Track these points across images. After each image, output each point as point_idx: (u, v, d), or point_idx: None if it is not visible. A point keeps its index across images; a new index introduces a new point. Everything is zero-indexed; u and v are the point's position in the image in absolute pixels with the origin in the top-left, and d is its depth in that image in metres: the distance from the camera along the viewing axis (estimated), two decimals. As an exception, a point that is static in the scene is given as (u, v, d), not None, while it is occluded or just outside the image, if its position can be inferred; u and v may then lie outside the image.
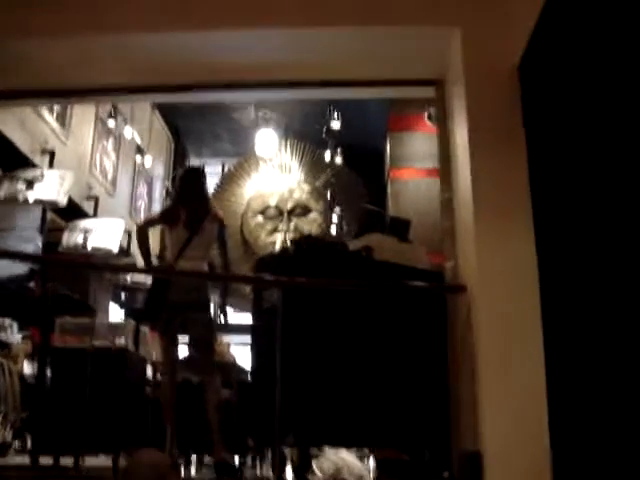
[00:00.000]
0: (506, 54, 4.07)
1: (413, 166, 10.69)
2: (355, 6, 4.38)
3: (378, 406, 3.87)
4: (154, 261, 6.10)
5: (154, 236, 6.77)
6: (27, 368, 7.52)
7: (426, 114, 8.08)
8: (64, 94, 5.26)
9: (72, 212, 9.69)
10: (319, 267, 4.01)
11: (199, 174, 5.68)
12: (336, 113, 11.45)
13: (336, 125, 11.53)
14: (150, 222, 5.94)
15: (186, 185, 5.61)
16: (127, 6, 4.45)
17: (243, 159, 14.16)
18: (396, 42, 4.51)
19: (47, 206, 8.26)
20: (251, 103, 12.57)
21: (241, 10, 4.43)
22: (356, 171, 13.35)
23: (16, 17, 4.46)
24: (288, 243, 11.22)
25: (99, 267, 7.11)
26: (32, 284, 9.72)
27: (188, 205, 5.46)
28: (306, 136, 13.51)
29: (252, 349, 4.57)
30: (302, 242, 4.25)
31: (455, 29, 4.26)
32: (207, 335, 5.39)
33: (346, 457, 3.14)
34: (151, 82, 5.00)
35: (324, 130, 12.00)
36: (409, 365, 3.94)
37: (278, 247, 12.71)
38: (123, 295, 11.76)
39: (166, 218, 5.61)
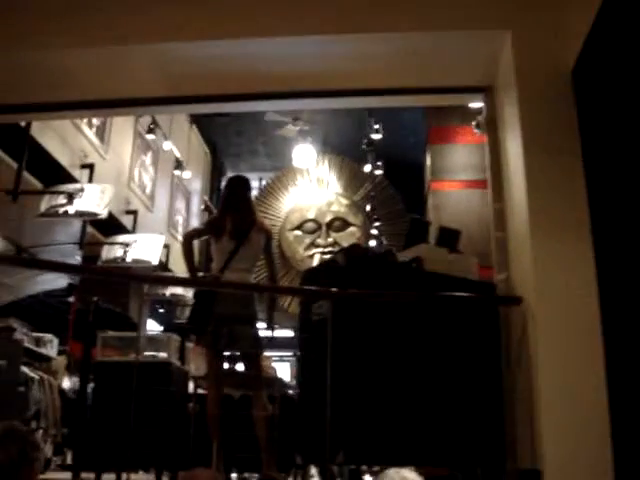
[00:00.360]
0: (559, 58, 3.94)
1: (454, 178, 10.58)
2: (399, 12, 4.27)
3: (430, 422, 3.73)
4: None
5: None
6: (67, 382, 7.49)
7: (474, 123, 7.95)
8: (101, 106, 5.19)
9: (111, 227, 9.71)
10: (369, 278, 3.89)
11: (244, 183, 5.58)
12: (376, 125, 11.35)
13: (376, 136, 11.44)
14: (196, 232, 5.85)
15: (231, 194, 5.51)
16: (162, 16, 4.38)
17: (281, 173, 14.14)
18: (443, 47, 4.38)
19: (88, 219, 8.25)
20: (289, 117, 12.54)
21: (278, 18, 4.34)
22: (396, 184, 13.27)
23: (54, 30, 4.42)
24: (327, 256, 11.14)
25: (143, 278, 7.03)
26: (72, 299, 9.75)
27: (233, 215, 5.36)
28: (344, 149, 13.47)
29: (300, 363, 4.46)
30: (352, 252, 4.13)
31: (505, 33, 4.12)
32: (254, 349, 5.27)
33: (408, 475, 3.00)
34: (186, 93, 4.92)
35: (364, 142, 11.91)
36: (462, 379, 3.80)
37: (317, 261, 12.62)
38: (162, 309, 11.74)
39: (212, 228, 5.51)
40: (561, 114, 3.86)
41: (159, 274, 9.20)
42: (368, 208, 13.42)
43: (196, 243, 6.36)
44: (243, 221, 5.36)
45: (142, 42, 4.41)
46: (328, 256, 10.88)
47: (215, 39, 4.38)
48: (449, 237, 4.59)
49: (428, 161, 11.21)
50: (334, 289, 3.66)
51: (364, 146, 12.01)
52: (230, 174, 15.19)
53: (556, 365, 3.43)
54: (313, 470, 5.20)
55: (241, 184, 5.58)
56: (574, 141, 3.78)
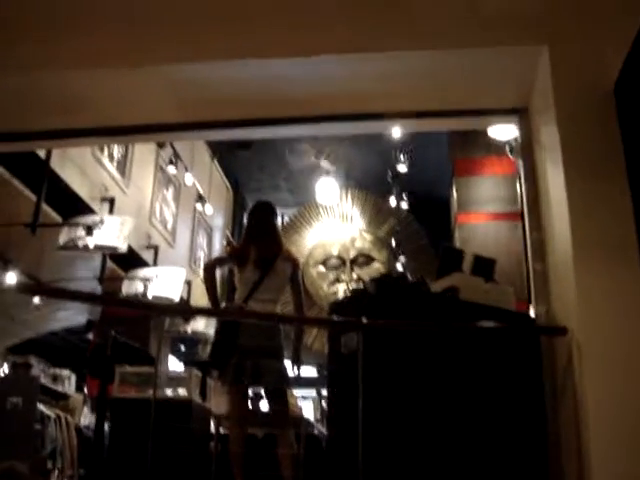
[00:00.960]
0: (600, 75, 3.72)
1: (481, 210, 10.36)
2: (424, 29, 4.06)
3: (469, 461, 3.49)
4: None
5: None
6: (84, 420, 7.30)
7: (507, 147, 7.74)
8: (116, 132, 5.02)
9: (132, 262, 9.58)
10: (401, 308, 3.67)
11: (269, 209, 5.38)
12: (401, 156, 11.19)
13: (402, 168, 11.27)
14: (218, 260, 5.65)
15: (255, 221, 5.31)
16: (177, 38, 4.21)
17: (303, 208, 14.01)
18: (472, 66, 4.14)
19: (107, 252, 8.10)
20: (311, 152, 12.44)
21: (298, 37, 4.13)
22: (420, 218, 13.10)
23: (66, 53, 4.27)
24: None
25: (164, 308, 6.81)
26: (90, 335, 9.60)
27: (258, 243, 5.15)
28: (368, 184, 13.34)
29: (329, 399, 4.21)
30: (383, 281, 3.91)
31: (541, 49, 3.90)
32: (281, 385, 5.03)
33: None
34: (202, 118, 4.73)
35: (389, 175, 11.75)
36: (502, 414, 3.57)
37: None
38: (182, 346, 11.56)
39: (235, 257, 5.31)
40: (604, 136, 3.64)
41: (179, 305, 8.98)
42: (393, 243, 13.23)
43: (219, 274, 6.13)
44: (268, 249, 5.14)
45: (155, 64, 4.23)
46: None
47: (229, 59, 4.19)
48: (484, 266, 4.36)
49: (454, 194, 11.01)
50: (364, 320, 3.43)
51: (389, 179, 11.84)
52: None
53: (604, 397, 3.18)
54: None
55: (266, 210, 5.38)
56: (619, 164, 3.55)
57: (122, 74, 4.34)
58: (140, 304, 6.53)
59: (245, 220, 7.24)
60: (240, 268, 5.13)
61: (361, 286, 4.95)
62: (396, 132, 7.67)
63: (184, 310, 8.12)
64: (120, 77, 4.37)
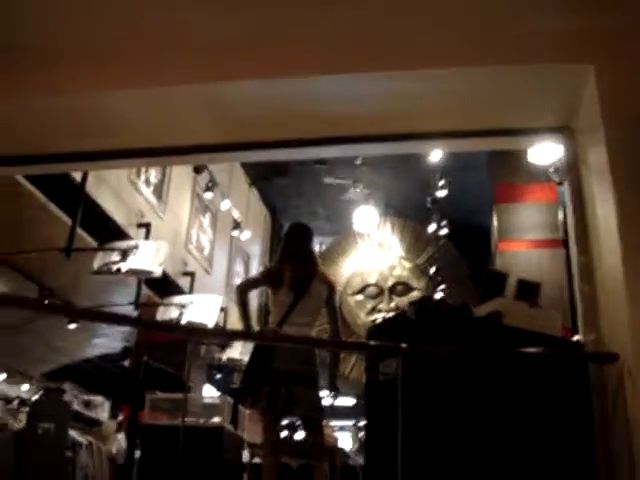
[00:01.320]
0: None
1: (522, 237, 10.18)
2: (466, 45, 3.92)
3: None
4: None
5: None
6: (116, 447, 7.20)
7: (552, 169, 7.56)
8: (151, 154, 4.93)
9: (168, 288, 9.54)
10: (442, 333, 3.51)
11: (305, 230, 5.26)
12: (440, 182, 11.05)
13: (441, 193, 11.12)
14: (251, 282, 5.50)
15: (291, 242, 5.19)
16: (214, 57, 4.12)
17: (341, 237, 13.91)
18: (514, 83, 3.99)
19: (141, 276, 8.04)
20: (349, 180, 12.37)
21: (330, 54, 4.02)
22: (460, 246, 12.95)
23: (101, 73, 4.21)
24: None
25: (197, 332, 6.68)
26: (126, 362, 9.55)
27: (293, 264, 5.02)
28: (407, 212, 13.24)
29: (366, 428, 4.05)
30: (423, 305, 3.76)
31: (587, 66, 3.76)
32: (315, 414, 4.88)
33: None
34: (240, 139, 4.64)
35: (428, 200, 11.61)
36: (550, 445, 3.39)
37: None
38: (218, 374, 11.46)
39: (269, 278, 5.18)
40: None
41: (211, 328, 8.86)
42: (432, 271, 13.06)
43: (254, 299, 6.00)
44: (303, 271, 5.01)
45: (192, 82, 4.15)
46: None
47: (268, 78, 4.10)
48: (528, 290, 4.20)
49: (495, 221, 10.85)
50: (404, 345, 3.28)
51: (428, 205, 11.69)
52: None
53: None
54: None
55: (302, 232, 5.26)
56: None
57: (158, 93, 4.27)
58: (174, 327, 6.42)
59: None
60: (274, 290, 5.00)
61: (412, 303, 4.78)
62: (435, 156, 7.55)
63: (216, 333, 8.01)
64: (155, 96, 4.30)
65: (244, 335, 5.41)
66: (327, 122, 4.38)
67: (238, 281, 13.27)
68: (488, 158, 10.84)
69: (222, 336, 8.53)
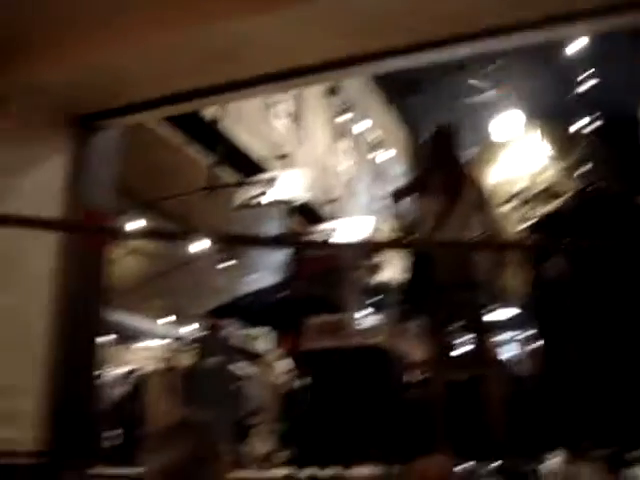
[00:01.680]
0: None
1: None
2: None
3: None
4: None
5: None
6: (282, 376, 7.33)
7: None
8: (279, 78, 4.81)
9: (311, 216, 9.52)
10: (607, 225, 3.23)
11: (451, 133, 5.01)
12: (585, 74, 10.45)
13: (586, 87, 10.46)
14: (400, 192, 5.26)
15: (438, 147, 4.96)
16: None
17: (483, 146, 13.45)
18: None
19: (284, 206, 8.04)
20: (488, 85, 11.93)
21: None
22: (611, 140, 12.24)
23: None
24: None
25: (352, 246, 6.52)
26: (283, 294, 9.63)
27: (442, 170, 4.80)
28: (550, 113, 12.62)
29: (538, 331, 3.84)
30: (585, 195, 3.48)
31: None
32: (480, 323, 4.69)
33: None
34: (369, 49, 4.44)
35: (573, 96, 11.02)
36: None
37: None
38: (373, 296, 11.43)
39: (418, 186, 4.98)
40: None
41: (368, 241, 8.71)
42: (582, 171, 12.47)
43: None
44: (452, 176, 4.79)
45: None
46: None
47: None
48: None
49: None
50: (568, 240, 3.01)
51: (573, 99, 11.09)
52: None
53: None
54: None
55: (447, 137, 5.03)
56: None
57: (281, 15, 4.14)
58: (330, 244, 6.35)
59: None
60: (424, 198, 4.81)
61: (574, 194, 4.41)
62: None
63: (371, 245, 7.82)
64: (279, 18, 4.18)
65: (399, 244, 5.09)
66: (452, 20, 4.13)
67: (380, 204, 13.14)
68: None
69: (382, 248, 8.31)
